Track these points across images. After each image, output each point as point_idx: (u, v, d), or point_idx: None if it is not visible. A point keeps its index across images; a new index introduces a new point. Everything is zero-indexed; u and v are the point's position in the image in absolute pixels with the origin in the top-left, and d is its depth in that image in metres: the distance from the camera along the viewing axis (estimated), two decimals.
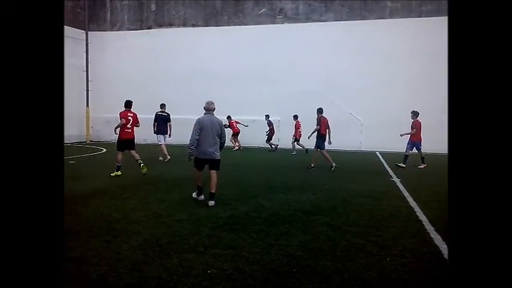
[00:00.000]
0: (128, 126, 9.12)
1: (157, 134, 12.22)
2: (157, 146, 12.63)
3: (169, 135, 12.36)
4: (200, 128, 6.02)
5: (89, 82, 20.46)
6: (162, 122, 12.19)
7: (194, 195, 6.38)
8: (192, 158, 6.17)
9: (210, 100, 6.33)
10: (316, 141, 10.73)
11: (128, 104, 9.41)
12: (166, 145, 12.45)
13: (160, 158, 12.08)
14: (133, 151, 9.17)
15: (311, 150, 11.90)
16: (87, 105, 20.34)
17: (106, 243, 4.11)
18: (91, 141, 19.85)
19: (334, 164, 10.51)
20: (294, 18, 18.10)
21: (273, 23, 18.32)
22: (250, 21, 18.63)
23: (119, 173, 8.88)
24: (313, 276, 3.36)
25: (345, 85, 16.83)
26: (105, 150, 15.43)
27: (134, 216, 5.20)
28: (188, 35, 19.16)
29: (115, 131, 9.22)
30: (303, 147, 15.01)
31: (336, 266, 3.56)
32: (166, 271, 3.39)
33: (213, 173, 6.16)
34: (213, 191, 6.04)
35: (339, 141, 11.87)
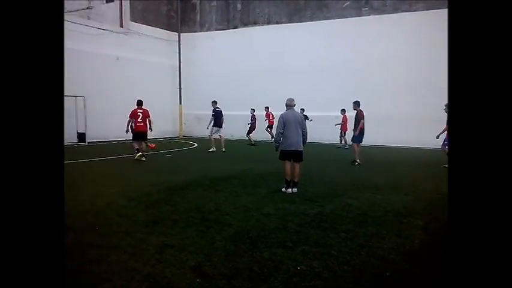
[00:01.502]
0: (139, 120, 10.80)
1: (213, 127, 13.46)
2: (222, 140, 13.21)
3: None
4: (284, 122, 6.51)
5: (181, 81, 21.93)
6: (219, 117, 13.39)
7: (283, 189, 6.63)
8: (278, 149, 6.66)
9: (291, 97, 6.84)
10: (357, 136, 10.33)
11: (139, 103, 11.16)
12: (217, 138, 13.54)
13: (212, 149, 13.23)
14: (144, 142, 11.08)
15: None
16: (180, 103, 21.80)
17: (201, 233, 4.38)
18: (183, 136, 21.24)
19: (358, 161, 10.33)
20: (381, 9, 17.21)
21: (359, 15, 17.63)
22: (334, 15, 18.17)
23: (141, 157, 10.67)
24: (409, 282, 3.20)
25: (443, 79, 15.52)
26: (196, 145, 16.37)
27: (225, 209, 5.46)
28: (272, 32, 19.38)
29: (127, 127, 11.04)
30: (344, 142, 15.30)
31: (432, 274, 3.34)
32: (258, 264, 3.50)
33: (297, 164, 6.65)
34: (296, 180, 6.65)
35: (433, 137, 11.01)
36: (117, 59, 18.70)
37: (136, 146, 10.95)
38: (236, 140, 17.24)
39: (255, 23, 20.39)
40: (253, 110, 17.08)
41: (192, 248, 3.90)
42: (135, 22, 19.91)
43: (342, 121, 15.33)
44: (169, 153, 13.02)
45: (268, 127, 17.29)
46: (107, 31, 18.56)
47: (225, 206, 5.61)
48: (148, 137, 11.68)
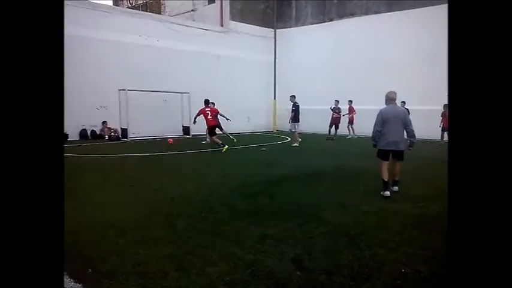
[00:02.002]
0: (209, 117, 12.16)
1: (293, 122, 13.69)
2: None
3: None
4: (383, 119, 5.95)
5: (276, 76, 22.32)
6: (298, 112, 13.59)
7: (382, 192, 6.00)
8: (376, 147, 6.20)
9: (392, 90, 6.20)
10: None
11: (207, 102, 12.69)
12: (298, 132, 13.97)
13: (295, 144, 13.45)
14: (214, 136, 12.26)
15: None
16: (274, 98, 22.21)
17: (299, 226, 4.44)
18: (277, 130, 21.61)
19: None
20: None
21: None
22: (437, 1, 16.65)
23: (225, 147, 11.78)
24: None
25: None
26: (289, 139, 16.53)
27: (322, 204, 5.45)
28: (370, 23, 18.54)
29: (194, 120, 13.10)
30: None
31: None
32: (358, 262, 3.43)
33: (397, 162, 6.23)
34: (397, 178, 6.27)
35: None
36: (218, 57, 19.74)
37: (218, 141, 12.02)
38: (320, 134, 16.97)
39: (351, 15, 19.72)
40: (337, 101, 16.70)
41: (291, 240, 3.97)
42: (234, 21, 20.75)
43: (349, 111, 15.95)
44: (264, 146, 13.37)
45: (349, 122, 16.74)
46: (208, 31, 19.69)
47: (321, 201, 5.59)
48: (240, 132, 12.37)
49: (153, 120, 16.76)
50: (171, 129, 17.37)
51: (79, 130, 15.39)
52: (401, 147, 6.07)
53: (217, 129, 12.55)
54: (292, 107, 13.66)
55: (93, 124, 15.77)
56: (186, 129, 17.65)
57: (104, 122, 15.88)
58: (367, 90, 16.61)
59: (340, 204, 5.48)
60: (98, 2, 17.25)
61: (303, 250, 3.70)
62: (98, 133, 15.81)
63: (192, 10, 22.36)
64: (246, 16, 21.25)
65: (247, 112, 20.84)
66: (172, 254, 3.57)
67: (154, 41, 17.41)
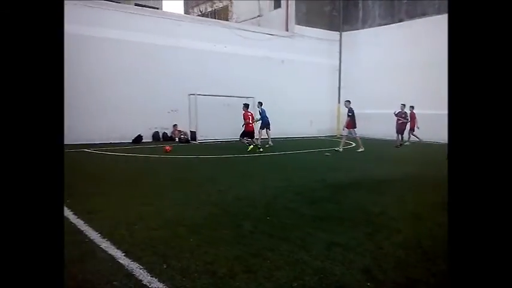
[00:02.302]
0: (250, 121, 12.70)
1: (353, 128, 13.49)
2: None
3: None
4: None
5: (341, 80, 21.89)
6: (354, 117, 13.39)
7: None
8: None
9: None
10: None
11: (248, 106, 13.12)
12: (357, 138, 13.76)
13: (361, 149, 13.14)
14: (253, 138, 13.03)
15: None
16: (339, 102, 21.77)
17: (368, 235, 4.30)
18: (340, 135, 21.13)
19: None
20: None
21: None
22: None
23: (251, 147, 12.76)
24: None
25: None
26: (353, 144, 16.09)
27: (392, 213, 5.21)
28: (444, 23, 17.40)
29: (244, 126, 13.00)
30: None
31: None
32: (434, 278, 3.23)
33: None
34: None
35: None
36: (282, 61, 19.86)
37: (249, 142, 12.96)
38: (386, 140, 16.22)
39: (423, 15, 18.72)
40: (404, 105, 15.89)
41: (360, 249, 3.85)
42: (299, 25, 20.75)
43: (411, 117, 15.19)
44: (328, 151, 13.15)
45: (411, 129, 15.82)
46: (273, 36, 19.90)
47: (391, 210, 5.36)
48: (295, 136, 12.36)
49: (220, 124, 17.28)
50: (236, 132, 17.77)
51: (152, 132, 16.36)
52: None
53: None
54: (349, 112, 13.39)
55: (165, 127, 16.69)
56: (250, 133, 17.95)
57: (175, 125, 16.72)
58: (440, 94, 15.62)
59: (412, 214, 5.21)
60: (170, 11, 18.20)
61: (372, 261, 3.57)
62: (168, 135, 16.69)
63: (259, 16, 22.75)
64: (311, 20, 21.13)
65: (310, 116, 20.68)
66: (240, 256, 3.64)
67: (222, 47, 18.00)
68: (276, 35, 20.11)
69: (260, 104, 15.37)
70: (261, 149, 12.98)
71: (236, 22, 22.90)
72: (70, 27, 14.26)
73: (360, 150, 13.17)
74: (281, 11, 21.54)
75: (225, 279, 3.16)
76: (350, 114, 13.34)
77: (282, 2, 21.75)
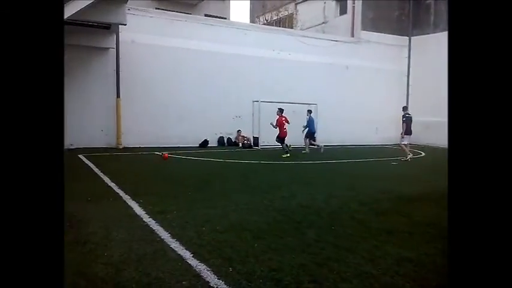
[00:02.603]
0: (285, 127, 12.90)
1: (406, 134, 12.83)
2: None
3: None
4: None
5: (409, 86, 20.91)
6: (410, 123, 12.70)
7: None
8: None
9: None
10: None
11: (282, 111, 13.08)
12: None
13: (409, 158, 12.50)
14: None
15: None
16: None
17: (441, 252, 4.02)
18: (409, 144, 20.15)
19: None
20: None
21: None
22: None
23: (288, 154, 12.80)
24: None
25: None
26: (423, 154, 15.26)
27: None
28: None
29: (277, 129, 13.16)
30: None
31: None
32: None
33: None
34: None
35: None
36: (347, 67, 19.48)
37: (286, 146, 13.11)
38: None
39: None
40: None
41: (432, 266, 3.63)
42: (366, 31, 20.21)
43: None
44: (395, 160, 12.60)
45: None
46: (338, 42, 19.61)
47: None
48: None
49: None
50: (298, 139, 17.73)
51: (217, 137, 16.90)
52: None
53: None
54: (403, 118, 12.86)
55: (229, 132, 17.16)
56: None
57: (239, 131, 17.11)
58: None
59: None
60: (237, 21, 18.76)
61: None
62: (232, 140, 17.12)
63: (323, 22, 22.57)
64: (378, 25, 20.47)
65: (376, 123, 19.96)
66: (305, 264, 3.61)
67: (286, 54, 18.11)
68: (341, 41, 19.78)
69: (309, 112, 15.35)
70: (288, 155, 12.96)
71: (301, 29, 22.91)
72: (144, 37, 15.29)
73: (405, 159, 12.58)
74: (347, 16, 21.16)
75: (290, 287, 3.15)
76: (404, 120, 12.86)
77: (347, 7, 21.37)
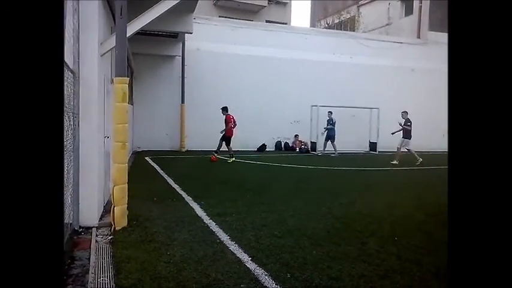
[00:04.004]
0: (231, 125, 12.14)
1: (404, 138, 12.79)
2: None
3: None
4: None
5: None
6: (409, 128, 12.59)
7: None
8: None
9: None
10: None
11: (226, 108, 12.40)
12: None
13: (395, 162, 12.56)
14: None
15: None
16: None
17: None
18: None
19: None
20: None
21: None
22: None
23: (232, 159, 12.10)
24: None
25: None
26: None
27: None
28: None
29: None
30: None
31: None
32: None
33: None
34: None
35: None
36: (412, 70, 18.58)
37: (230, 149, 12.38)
38: None
39: None
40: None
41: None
42: (434, 31, 19.13)
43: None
44: None
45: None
46: (403, 44, 18.78)
47: None
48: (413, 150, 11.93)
49: (341, 135, 16.97)
50: (358, 144, 17.23)
51: (274, 142, 16.97)
52: None
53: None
54: (408, 122, 12.87)
55: (287, 137, 17.15)
56: (373, 145, 17.16)
57: (296, 135, 17.04)
58: None
59: None
60: (298, 25, 18.77)
61: None
62: (290, 145, 17.07)
63: (387, 24, 21.76)
64: (447, 25, 19.28)
65: (443, 129, 18.76)
66: (366, 275, 3.48)
67: (348, 58, 17.72)
68: (406, 43, 18.91)
69: (330, 113, 15.12)
70: (233, 159, 12.21)
71: (363, 32, 22.29)
72: (208, 45, 15.84)
73: (394, 162, 12.59)
74: (413, 17, 20.20)
75: None
76: (408, 124, 12.81)
77: (413, 8, 20.40)
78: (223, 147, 12.36)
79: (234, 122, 12.56)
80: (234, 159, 12.26)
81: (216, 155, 12.20)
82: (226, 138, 12.34)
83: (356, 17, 25.57)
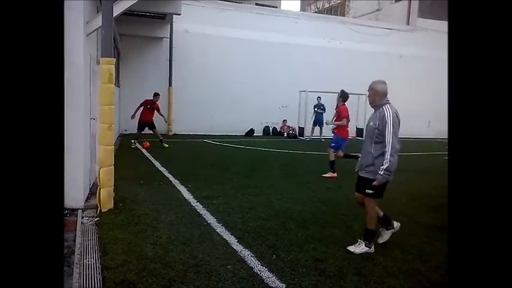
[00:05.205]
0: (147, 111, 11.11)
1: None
2: None
3: None
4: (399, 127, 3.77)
5: None
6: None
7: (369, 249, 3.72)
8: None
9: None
10: None
11: (155, 94, 11.46)
12: None
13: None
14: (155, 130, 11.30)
15: None
16: None
17: None
18: None
19: None
20: None
21: None
22: None
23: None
24: None
25: None
26: None
27: None
28: None
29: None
30: None
31: None
32: None
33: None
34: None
35: None
36: (400, 57, 18.66)
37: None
38: None
39: None
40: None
41: None
42: (423, 18, 19.17)
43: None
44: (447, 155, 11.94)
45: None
46: (393, 30, 18.80)
47: None
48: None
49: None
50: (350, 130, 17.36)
51: (263, 127, 16.97)
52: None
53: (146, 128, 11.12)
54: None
55: (275, 122, 17.16)
56: (360, 131, 17.32)
57: (284, 121, 17.06)
58: None
59: None
60: (288, 9, 18.59)
61: None
62: (278, 130, 17.10)
63: (377, 10, 21.72)
64: (436, 11, 19.28)
65: (429, 116, 19.02)
66: (351, 257, 3.56)
67: (337, 43, 17.67)
68: (395, 29, 18.92)
69: (319, 98, 15.32)
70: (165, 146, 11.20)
71: (353, 17, 22.21)
72: (197, 26, 15.59)
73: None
74: (403, 3, 20.19)
75: (334, 278, 3.13)
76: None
77: None
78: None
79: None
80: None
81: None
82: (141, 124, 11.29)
83: (346, 2, 25.43)
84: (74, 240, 3.76)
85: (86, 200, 5.08)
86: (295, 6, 30.27)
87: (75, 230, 4.08)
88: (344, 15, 23.71)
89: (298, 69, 16.88)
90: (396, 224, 3.95)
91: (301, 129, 16.65)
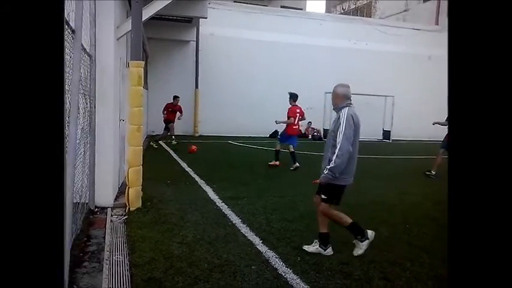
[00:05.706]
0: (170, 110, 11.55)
1: None
2: None
3: None
4: (355, 130, 3.63)
5: None
6: None
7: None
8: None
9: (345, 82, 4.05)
10: None
11: (175, 97, 11.75)
12: None
13: None
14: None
15: None
16: None
17: None
18: None
19: None
20: None
21: None
22: None
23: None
24: None
25: None
26: None
27: None
28: None
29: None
30: None
31: None
32: None
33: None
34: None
35: None
36: (429, 57, 18.22)
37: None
38: None
39: None
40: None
41: None
42: None
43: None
44: None
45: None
46: (420, 31, 18.39)
47: None
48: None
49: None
50: (371, 132, 17.07)
51: None
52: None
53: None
54: None
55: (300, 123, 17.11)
56: (386, 134, 17.01)
57: (309, 123, 16.97)
58: None
59: None
60: (313, 11, 18.52)
61: None
62: (302, 132, 17.03)
63: (405, 10, 21.30)
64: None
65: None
66: (376, 261, 3.51)
67: (363, 44, 17.47)
68: (423, 30, 18.50)
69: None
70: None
71: (380, 18, 21.87)
72: (223, 30, 15.76)
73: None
74: (431, 4, 19.71)
75: (359, 282, 3.10)
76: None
77: None
78: None
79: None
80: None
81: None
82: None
83: (373, 3, 25.05)
84: (104, 238, 3.89)
85: (115, 199, 5.23)
86: (321, 8, 30.11)
87: (105, 227, 4.22)
88: (370, 17, 23.36)
89: (323, 70, 16.77)
90: (370, 233, 3.75)
91: (326, 131, 16.52)
